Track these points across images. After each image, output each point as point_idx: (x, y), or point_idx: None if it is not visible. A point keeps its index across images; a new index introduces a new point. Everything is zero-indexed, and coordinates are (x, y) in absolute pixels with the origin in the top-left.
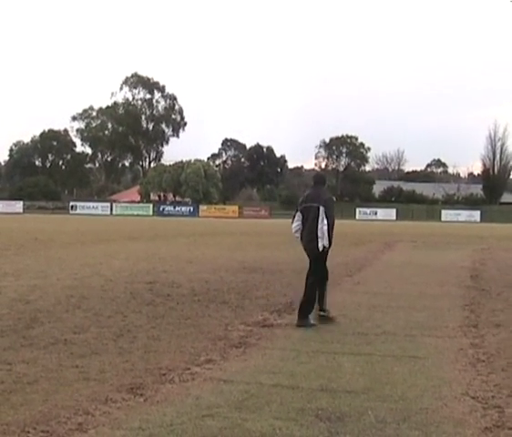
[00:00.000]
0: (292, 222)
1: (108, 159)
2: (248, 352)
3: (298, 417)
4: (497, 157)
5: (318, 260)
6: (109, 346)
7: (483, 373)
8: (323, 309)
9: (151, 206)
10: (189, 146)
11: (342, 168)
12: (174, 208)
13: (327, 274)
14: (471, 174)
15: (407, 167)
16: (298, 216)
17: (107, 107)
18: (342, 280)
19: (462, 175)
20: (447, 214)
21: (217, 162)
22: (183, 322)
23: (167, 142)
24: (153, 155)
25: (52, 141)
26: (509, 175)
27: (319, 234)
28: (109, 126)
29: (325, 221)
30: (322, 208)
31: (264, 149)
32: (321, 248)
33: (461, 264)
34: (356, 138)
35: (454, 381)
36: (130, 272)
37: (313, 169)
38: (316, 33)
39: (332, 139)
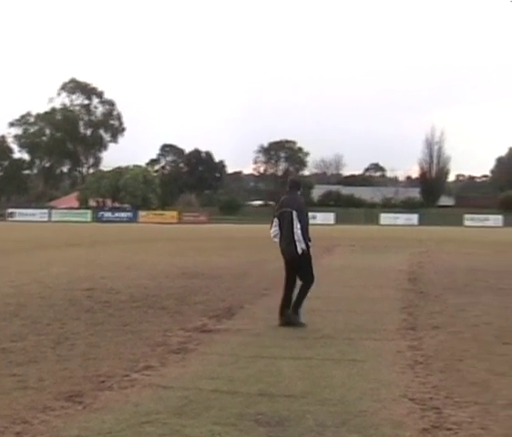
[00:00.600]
0: (271, 228)
1: (47, 165)
2: (187, 358)
3: (237, 422)
4: (435, 160)
5: (303, 265)
6: (48, 354)
7: (421, 375)
8: (297, 312)
9: (90, 212)
10: (128, 151)
11: (280, 173)
12: (113, 214)
13: (312, 278)
14: (409, 178)
15: (346, 172)
16: (275, 221)
17: (45, 113)
18: (280, 285)
19: (400, 179)
20: (386, 217)
21: (156, 168)
22: (122, 329)
23: (105, 148)
24: (91, 161)
25: None
26: (446, 178)
27: (296, 238)
28: (47, 132)
29: (298, 225)
30: (294, 213)
31: (203, 154)
32: (300, 252)
33: (399, 267)
34: (295, 143)
35: (392, 384)
36: (69, 279)
37: (252, 174)
38: (253, 37)
39: (270, 144)
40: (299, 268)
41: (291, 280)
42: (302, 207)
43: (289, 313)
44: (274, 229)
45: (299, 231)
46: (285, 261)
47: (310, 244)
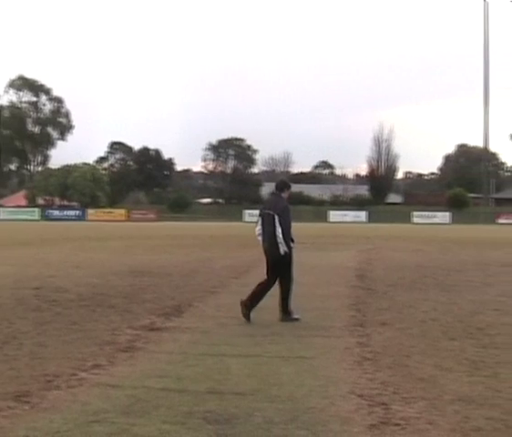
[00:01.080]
0: (256, 226)
1: None
2: (135, 357)
3: (186, 420)
4: (383, 158)
5: (284, 267)
6: None
7: (369, 371)
8: (287, 312)
9: (38, 210)
10: (77, 149)
11: (229, 171)
12: (61, 212)
13: (290, 279)
14: (357, 175)
15: (295, 169)
16: (259, 220)
17: None
18: (229, 282)
19: (349, 176)
20: (335, 215)
21: (104, 165)
22: (70, 328)
23: (53, 146)
24: (40, 159)
25: None
26: (395, 175)
27: (278, 240)
28: None
29: (279, 229)
30: (276, 217)
31: (152, 152)
32: (282, 253)
33: (348, 264)
34: (244, 141)
35: (340, 380)
36: (16, 278)
37: (201, 172)
38: (202, 35)
39: (219, 142)
40: (279, 269)
41: (271, 280)
42: (284, 210)
43: (282, 317)
44: (258, 228)
45: (280, 235)
46: (267, 260)
47: (292, 245)
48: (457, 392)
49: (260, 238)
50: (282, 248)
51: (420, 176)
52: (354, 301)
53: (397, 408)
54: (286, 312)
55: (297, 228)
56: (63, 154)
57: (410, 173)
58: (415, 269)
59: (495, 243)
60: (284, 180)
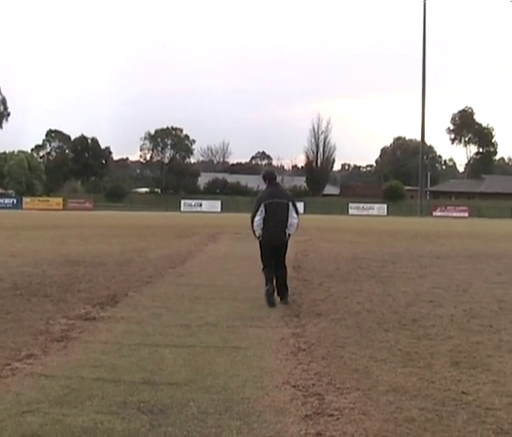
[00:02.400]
0: (255, 216)
1: None
2: (69, 346)
3: (120, 410)
4: (321, 149)
5: (285, 249)
6: None
7: (304, 362)
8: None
9: None
10: (13, 137)
11: (167, 160)
12: None
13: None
14: (295, 166)
15: (232, 160)
16: (262, 211)
17: None
18: (165, 272)
19: (286, 167)
20: None
21: (41, 154)
22: (4, 317)
23: None
24: None
25: None
26: (332, 167)
27: (288, 225)
28: None
29: (295, 215)
30: (291, 205)
31: (89, 141)
32: (287, 237)
33: None
34: (181, 130)
35: (275, 371)
36: None
37: (139, 161)
38: (139, 23)
39: (157, 131)
40: (282, 252)
41: (274, 265)
42: (294, 199)
43: (286, 298)
44: (258, 218)
45: (295, 220)
46: (269, 248)
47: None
48: (391, 383)
49: (259, 228)
50: (288, 232)
51: (357, 168)
52: (290, 292)
53: (331, 398)
54: (287, 292)
55: (234, 218)
56: None
57: (347, 165)
58: (351, 261)
59: (429, 235)
60: (274, 171)
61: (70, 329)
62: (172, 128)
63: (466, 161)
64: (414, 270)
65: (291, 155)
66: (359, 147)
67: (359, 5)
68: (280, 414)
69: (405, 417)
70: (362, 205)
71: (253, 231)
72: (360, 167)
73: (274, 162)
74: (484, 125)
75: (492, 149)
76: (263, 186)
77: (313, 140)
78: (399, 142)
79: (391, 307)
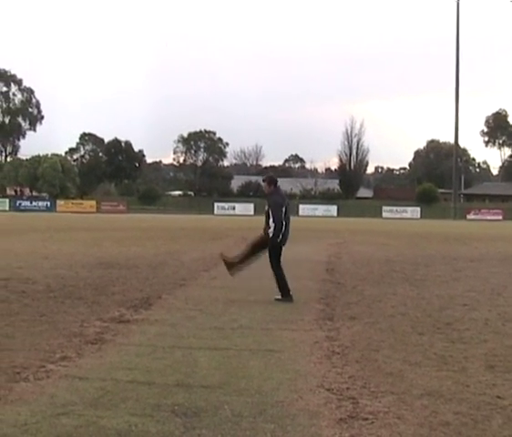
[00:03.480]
0: (282, 220)
1: None
2: (104, 349)
3: (154, 413)
4: (354, 152)
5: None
6: None
7: (338, 365)
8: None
9: (7, 201)
10: (47, 140)
11: (200, 163)
12: (31, 202)
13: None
14: (328, 169)
15: (265, 163)
16: (283, 212)
17: None
18: (198, 275)
19: (319, 170)
20: (305, 208)
21: (74, 156)
22: (38, 319)
23: (23, 136)
24: (9, 149)
25: None
26: (365, 170)
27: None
28: None
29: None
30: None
31: (122, 144)
32: None
33: (317, 258)
34: (214, 133)
35: (309, 374)
36: None
37: (172, 164)
38: (170, 26)
39: (190, 134)
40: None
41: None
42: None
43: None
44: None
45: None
46: (280, 249)
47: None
48: (426, 387)
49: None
50: None
51: (390, 170)
52: (323, 295)
53: (366, 402)
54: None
55: None
56: (33, 144)
57: (380, 168)
58: (384, 264)
59: (463, 238)
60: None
61: (104, 331)
62: (205, 131)
63: (500, 164)
64: (447, 273)
65: (324, 157)
66: (392, 150)
67: (392, 4)
68: (314, 418)
69: (440, 421)
70: (395, 208)
71: (279, 235)
72: (393, 169)
73: (307, 165)
74: None
75: None
76: (296, 189)
77: (347, 143)
78: (432, 145)
79: (425, 310)
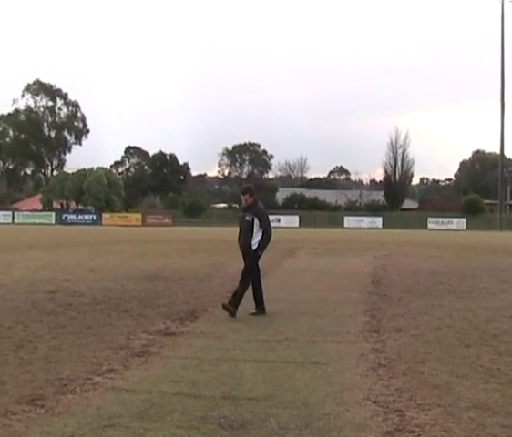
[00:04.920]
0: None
1: (10, 167)
2: (150, 361)
3: (200, 425)
4: (399, 163)
5: None
6: (9, 357)
7: (384, 378)
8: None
9: (53, 214)
10: (92, 153)
11: (245, 176)
12: (76, 216)
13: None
14: (373, 181)
15: (310, 175)
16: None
17: (9, 115)
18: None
19: (364, 182)
20: (350, 220)
21: (120, 170)
22: (85, 332)
23: (69, 150)
24: (55, 163)
25: None
26: (410, 181)
27: None
28: (11, 133)
29: None
30: None
31: (167, 157)
32: None
33: (362, 270)
34: (259, 146)
35: (355, 387)
36: (31, 282)
37: (217, 177)
38: (216, 40)
39: (234, 147)
40: None
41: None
42: None
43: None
44: None
45: None
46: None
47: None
48: (473, 400)
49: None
50: None
51: (436, 182)
52: (369, 307)
53: (412, 415)
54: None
55: (312, 233)
56: (78, 158)
57: (426, 179)
58: (430, 276)
59: (510, 250)
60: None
61: (150, 344)
62: (250, 144)
63: None
64: (494, 285)
65: (369, 169)
66: (438, 161)
67: (436, 15)
68: (360, 430)
69: (487, 434)
70: (440, 219)
71: (267, 245)
72: (438, 180)
73: (352, 177)
74: None
75: None
76: (341, 201)
77: (391, 154)
78: (478, 155)
79: (471, 322)
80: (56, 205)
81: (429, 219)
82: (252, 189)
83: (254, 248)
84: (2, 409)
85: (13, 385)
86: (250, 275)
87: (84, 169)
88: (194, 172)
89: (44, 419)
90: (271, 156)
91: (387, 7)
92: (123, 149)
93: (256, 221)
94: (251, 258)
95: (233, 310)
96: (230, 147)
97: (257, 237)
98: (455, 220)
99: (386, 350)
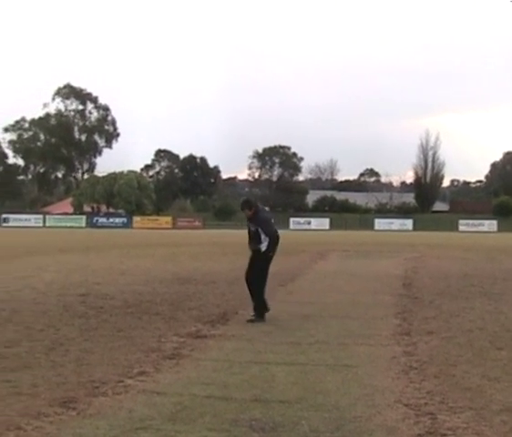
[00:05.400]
0: (274, 231)
1: (41, 171)
2: (181, 364)
3: (231, 428)
4: (429, 165)
5: None
6: (41, 360)
7: (415, 381)
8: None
9: (84, 217)
10: (123, 157)
11: (275, 178)
12: (107, 219)
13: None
14: (403, 183)
15: (340, 177)
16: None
17: (40, 119)
18: (274, 290)
19: (394, 184)
20: (380, 223)
21: (150, 173)
22: (116, 335)
23: (100, 153)
24: (86, 166)
25: None
26: (441, 183)
27: None
28: (42, 137)
29: None
30: None
31: (198, 160)
32: None
33: (393, 272)
34: (289, 148)
35: (386, 389)
36: (62, 285)
37: (247, 180)
38: (247, 41)
39: (264, 149)
40: None
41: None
42: None
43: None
44: None
45: None
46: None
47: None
48: (505, 403)
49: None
50: None
51: (467, 183)
52: (400, 310)
53: (444, 418)
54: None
55: (342, 235)
56: (109, 161)
57: (456, 181)
58: (461, 278)
59: None
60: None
61: (181, 346)
62: (280, 147)
63: None
64: None
65: (400, 171)
66: (468, 163)
67: (466, 17)
68: (392, 433)
69: None
70: (471, 221)
71: (274, 248)
72: (469, 182)
73: (383, 179)
74: None
75: None
76: (371, 203)
77: (422, 156)
78: (509, 156)
79: (503, 325)
80: (86, 208)
81: (460, 221)
82: (250, 202)
83: (263, 249)
84: (34, 411)
85: (45, 388)
86: (261, 278)
87: (114, 173)
88: (224, 175)
89: (76, 421)
90: (302, 158)
91: (420, 8)
92: (153, 153)
93: (260, 230)
94: (261, 261)
95: (260, 320)
96: (261, 150)
97: (265, 242)
98: (486, 222)
99: (418, 353)
